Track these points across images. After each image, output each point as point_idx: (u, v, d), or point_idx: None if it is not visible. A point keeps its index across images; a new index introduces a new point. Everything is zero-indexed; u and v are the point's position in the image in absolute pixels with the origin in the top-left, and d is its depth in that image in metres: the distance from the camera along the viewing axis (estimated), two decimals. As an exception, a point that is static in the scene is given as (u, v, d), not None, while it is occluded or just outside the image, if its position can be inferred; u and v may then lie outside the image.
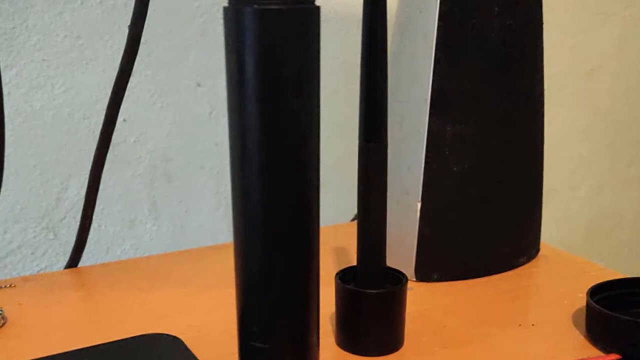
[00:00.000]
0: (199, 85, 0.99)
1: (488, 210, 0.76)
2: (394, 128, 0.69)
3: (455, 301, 0.72)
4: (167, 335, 0.63)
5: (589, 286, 0.65)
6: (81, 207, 0.80)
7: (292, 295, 0.50)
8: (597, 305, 0.63)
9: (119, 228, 1.00)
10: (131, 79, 0.75)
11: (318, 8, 0.45)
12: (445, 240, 0.75)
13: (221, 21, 0.45)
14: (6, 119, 0.72)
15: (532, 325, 0.68)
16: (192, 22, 0.97)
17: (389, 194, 0.60)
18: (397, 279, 0.64)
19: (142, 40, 0.74)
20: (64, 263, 0.83)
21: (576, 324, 0.67)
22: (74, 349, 0.61)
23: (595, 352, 0.62)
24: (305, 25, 0.45)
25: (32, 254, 0.95)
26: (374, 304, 0.62)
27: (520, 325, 0.67)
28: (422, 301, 0.72)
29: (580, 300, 0.68)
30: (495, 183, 0.76)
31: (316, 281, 0.51)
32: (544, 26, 0.77)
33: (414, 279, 0.76)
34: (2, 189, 0.74)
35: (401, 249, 0.75)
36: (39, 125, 0.91)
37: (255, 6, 0.43)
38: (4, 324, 0.68)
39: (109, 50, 0.92)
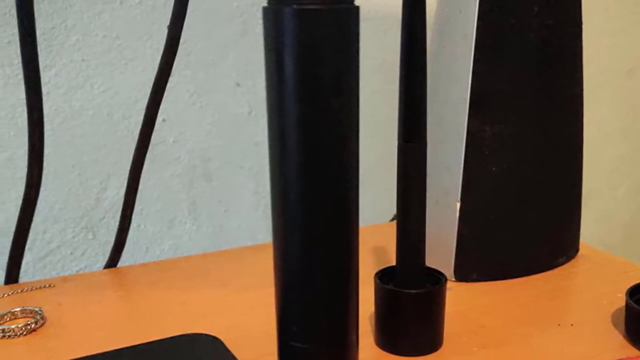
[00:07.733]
0: (238, 85, 1.00)
1: (527, 210, 0.76)
2: (433, 128, 0.69)
3: (494, 301, 0.72)
4: (207, 335, 0.63)
5: (628, 286, 0.65)
6: (120, 207, 0.81)
7: (332, 295, 0.50)
8: (636, 305, 0.62)
9: (158, 228, 1.01)
10: (170, 78, 0.76)
11: (357, 8, 0.45)
12: (484, 240, 0.75)
13: (260, 21, 0.45)
14: (45, 119, 0.73)
15: (571, 325, 0.67)
16: (232, 22, 0.97)
17: (428, 194, 0.60)
18: (437, 279, 0.64)
19: (182, 40, 0.74)
20: (103, 263, 0.83)
21: (615, 323, 0.67)
22: (113, 349, 0.61)
23: (634, 351, 0.62)
24: (344, 25, 0.45)
25: (72, 254, 0.96)
26: (413, 304, 0.62)
27: (559, 325, 0.67)
28: (461, 301, 0.72)
29: (620, 300, 0.68)
30: (534, 183, 0.75)
31: (355, 281, 0.51)
32: (583, 26, 0.76)
33: (453, 279, 0.75)
34: (42, 189, 0.75)
35: (440, 249, 0.75)
36: (78, 125, 0.92)
37: (295, 6, 0.43)
38: (43, 324, 0.68)
39: (148, 50, 0.93)
